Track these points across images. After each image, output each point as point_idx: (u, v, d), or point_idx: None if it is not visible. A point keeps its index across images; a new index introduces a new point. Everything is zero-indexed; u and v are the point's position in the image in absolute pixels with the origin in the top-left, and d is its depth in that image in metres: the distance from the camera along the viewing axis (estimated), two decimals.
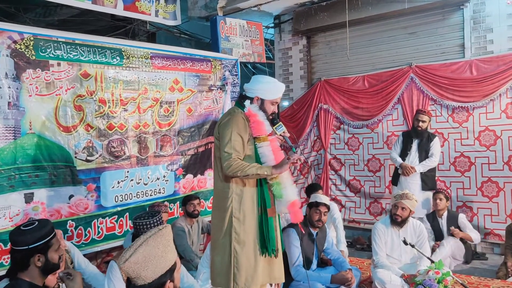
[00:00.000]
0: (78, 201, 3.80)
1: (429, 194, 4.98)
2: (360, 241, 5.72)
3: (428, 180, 4.98)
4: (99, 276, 3.22)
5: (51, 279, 2.41)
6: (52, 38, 3.61)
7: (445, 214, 4.80)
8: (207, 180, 4.98)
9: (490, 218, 5.10)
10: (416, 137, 5.03)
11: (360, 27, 6.10)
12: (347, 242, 4.89)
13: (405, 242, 3.78)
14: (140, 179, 4.29)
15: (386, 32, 5.97)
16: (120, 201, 4.12)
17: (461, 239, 4.67)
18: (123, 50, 4.12)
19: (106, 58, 3.97)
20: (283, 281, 3.02)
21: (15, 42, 3.37)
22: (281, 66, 7.07)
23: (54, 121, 3.62)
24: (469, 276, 4.37)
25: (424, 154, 4.96)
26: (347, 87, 6.17)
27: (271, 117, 2.92)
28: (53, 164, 3.61)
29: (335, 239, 4.50)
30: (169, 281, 1.67)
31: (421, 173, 4.95)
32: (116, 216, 4.10)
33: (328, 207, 3.89)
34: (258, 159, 2.81)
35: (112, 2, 4.49)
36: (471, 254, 4.81)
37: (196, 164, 4.87)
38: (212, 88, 5.01)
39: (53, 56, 3.60)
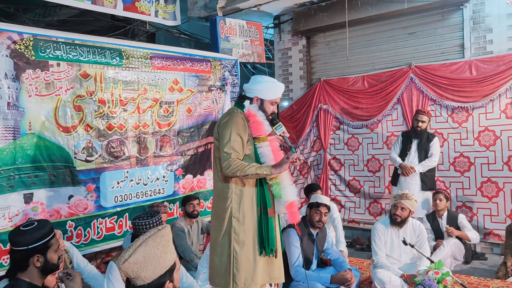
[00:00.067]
0: (78, 201, 3.80)
1: (429, 194, 4.98)
2: (360, 241, 5.72)
3: (428, 180, 4.98)
4: (98, 276, 3.23)
5: (51, 279, 2.42)
6: (51, 39, 3.61)
7: (445, 214, 4.80)
8: (207, 180, 4.98)
9: (490, 218, 5.10)
10: (416, 137, 5.03)
11: (360, 27, 6.10)
12: (346, 242, 4.89)
13: (404, 242, 3.78)
14: (140, 180, 4.29)
15: (386, 32, 5.97)
16: (120, 201, 4.12)
17: (461, 240, 4.67)
18: (122, 50, 4.12)
19: (105, 58, 3.97)
20: (283, 281, 3.02)
21: (14, 42, 3.37)
22: (280, 66, 7.07)
23: (54, 122, 3.63)
24: (468, 276, 4.37)
25: (423, 154, 4.96)
26: (347, 87, 6.17)
27: (270, 117, 2.91)
28: (53, 164, 3.61)
29: (335, 239, 4.50)
30: (168, 281, 1.67)
31: (420, 173, 4.94)
32: (116, 216, 4.10)
33: (328, 207, 3.89)
34: (257, 159, 2.81)
35: (111, 2, 4.49)
36: (471, 254, 4.80)
37: (195, 165, 4.87)
38: (211, 88, 5.01)
39: (52, 56, 3.60)
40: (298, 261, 3.66)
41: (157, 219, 2.82)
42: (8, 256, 2.53)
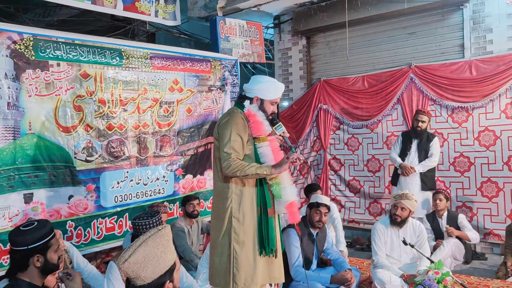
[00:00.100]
0: (78, 201, 3.80)
1: (429, 194, 4.98)
2: (360, 241, 5.72)
3: (428, 180, 4.98)
4: (98, 276, 3.23)
5: (51, 279, 2.41)
6: (51, 39, 3.61)
7: (445, 214, 4.80)
8: (207, 180, 4.98)
9: (490, 218, 5.10)
10: (416, 137, 5.03)
11: (360, 27, 6.10)
12: (346, 242, 4.89)
13: (404, 242, 3.78)
14: (140, 180, 4.29)
15: (386, 32, 5.97)
16: (120, 201, 4.12)
17: (461, 240, 4.67)
18: (122, 50, 4.12)
19: (105, 58, 3.97)
20: (283, 281, 3.02)
21: (14, 42, 3.37)
22: (280, 66, 7.07)
23: (54, 122, 3.63)
24: (468, 276, 4.37)
25: (423, 154, 4.96)
26: (347, 87, 6.17)
27: (270, 117, 2.91)
28: (53, 164, 3.61)
29: (335, 239, 4.50)
30: (168, 281, 1.67)
31: (420, 173, 4.94)
32: (116, 216, 4.10)
33: (328, 207, 3.89)
34: (257, 159, 2.81)
35: (111, 2, 4.49)
36: (471, 254, 4.80)
37: (195, 165, 4.87)
38: (211, 88, 5.01)
39: (52, 56, 3.60)
40: (298, 261, 3.66)
41: (157, 219, 2.82)
42: (8, 256, 2.53)
